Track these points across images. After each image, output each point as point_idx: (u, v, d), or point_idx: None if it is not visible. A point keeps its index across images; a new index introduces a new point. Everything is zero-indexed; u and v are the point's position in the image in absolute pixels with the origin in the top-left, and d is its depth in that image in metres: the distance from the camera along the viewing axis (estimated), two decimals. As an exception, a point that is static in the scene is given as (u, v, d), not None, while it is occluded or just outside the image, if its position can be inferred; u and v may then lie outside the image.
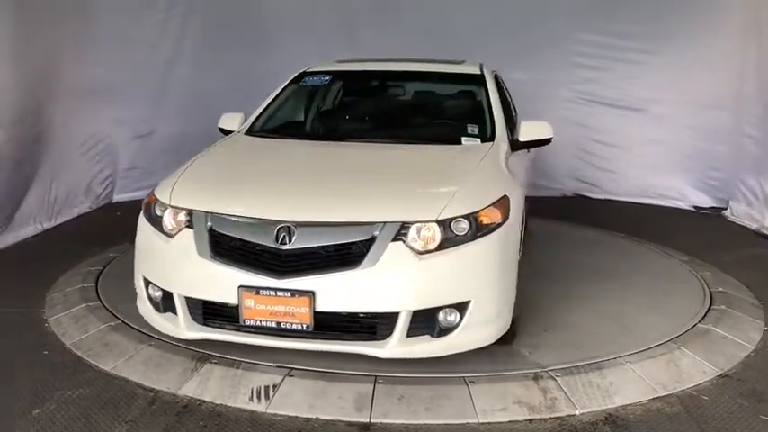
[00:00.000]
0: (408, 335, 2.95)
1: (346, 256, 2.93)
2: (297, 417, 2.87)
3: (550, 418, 2.91)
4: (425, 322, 2.97)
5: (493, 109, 4.02)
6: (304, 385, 3.04)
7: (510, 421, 2.87)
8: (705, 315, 3.92)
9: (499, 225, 3.08)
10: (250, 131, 4.29)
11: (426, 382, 3.07)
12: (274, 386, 3.03)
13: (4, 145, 5.16)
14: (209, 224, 3.12)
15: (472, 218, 3.01)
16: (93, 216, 6.30)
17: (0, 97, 5.12)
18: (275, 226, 2.99)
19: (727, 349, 3.56)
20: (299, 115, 4.77)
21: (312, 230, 2.97)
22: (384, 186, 3.29)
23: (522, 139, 3.88)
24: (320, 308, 2.92)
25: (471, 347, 3.09)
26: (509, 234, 3.14)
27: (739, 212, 6.31)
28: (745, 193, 6.26)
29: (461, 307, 2.97)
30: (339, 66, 4.91)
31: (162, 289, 3.23)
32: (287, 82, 4.77)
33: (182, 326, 3.19)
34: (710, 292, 4.30)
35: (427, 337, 2.99)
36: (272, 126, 4.38)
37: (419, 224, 2.94)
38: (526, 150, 4.29)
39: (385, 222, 2.94)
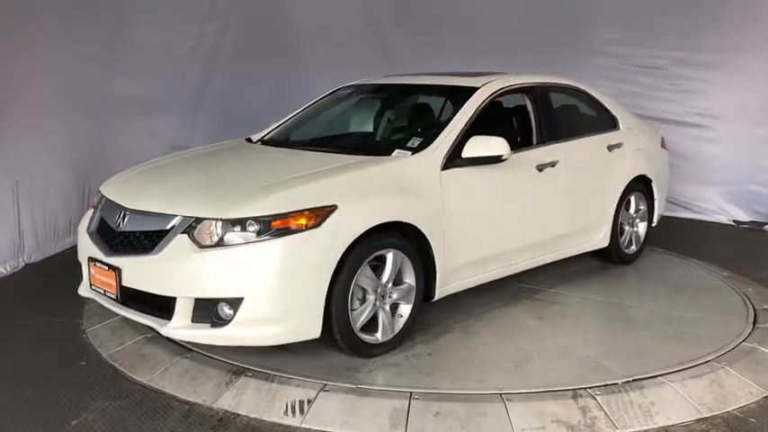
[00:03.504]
0: (194, 320, 3.16)
1: (146, 242, 3.26)
2: (331, 432, 2.85)
3: (590, 438, 2.84)
4: (207, 311, 3.15)
5: (449, 123, 3.91)
6: (339, 400, 3.02)
7: (549, 441, 2.81)
8: (750, 333, 3.80)
9: (299, 231, 3.08)
10: (261, 139, 4.54)
11: (462, 399, 3.03)
12: (309, 401, 3.01)
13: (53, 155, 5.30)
14: (101, 205, 3.69)
15: (263, 220, 3.08)
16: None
17: (44, 109, 5.27)
18: (118, 210, 3.46)
19: (774, 369, 3.45)
20: (316, 126, 4.81)
21: (136, 217, 3.38)
22: (218, 185, 3.55)
23: (465, 155, 3.75)
24: (124, 283, 3.30)
25: (247, 343, 3.24)
26: (312, 241, 3.09)
27: (782, 227, 6.16)
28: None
29: (234, 303, 3.07)
30: (362, 81, 4.96)
31: None
32: (320, 97, 4.87)
33: (83, 286, 3.72)
34: (755, 309, 4.17)
35: (207, 325, 3.15)
36: (278, 135, 4.58)
37: (207, 220, 3.13)
38: (542, 169, 4.19)
39: (184, 216, 3.19)
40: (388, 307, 3.48)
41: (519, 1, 6.99)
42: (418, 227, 3.50)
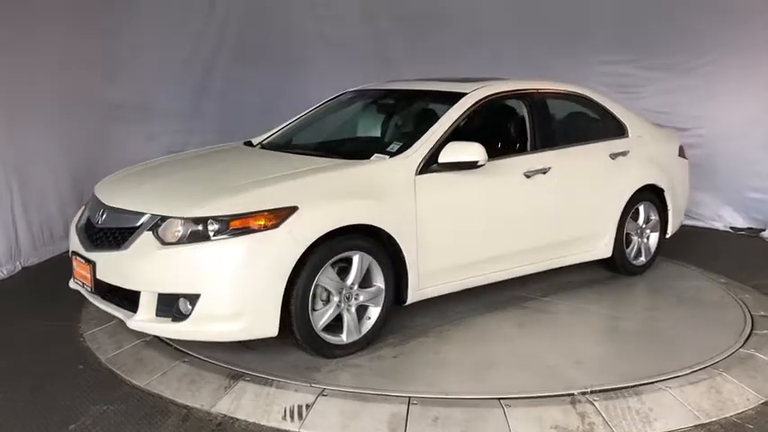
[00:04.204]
0: (158, 314, 3.26)
1: (119, 237, 3.39)
2: (330, 437, 2.85)
3: (589, 443, 2.84)
4: (168, 306, 3.25)
5: (430, 128, 3.92)
6: (337, 405, 3.02)
7: (547, 446, 2.82)
8: (747, 340, 3.81)
9: (257, 231, 3.16)
10: (260, 142, 4.60)
11: (461, 404, 3.03)
12: (307, 405, 3.01)
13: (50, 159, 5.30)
14: (90, 203, 3.82)
15: (222, 219, 3.17)
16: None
17: (41, 113, 5.27)
18: (100, 207, 3.60)
19: (772, 376, 3.46)
20: (313, 131, 4.84)
21: (113, 213, 3.51)
22: (192, 185, 3.66)
23: (441, 160, 3.74)
24: (98, 276, 3.43)
25: (206, 338, 3.33)
26: (269, 241, 3.17)
27: (778, 234, 6.19)
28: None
29: (193, 298, 3.17)
30: (364, 86, 5.01)
31: None
32: (321, 102, 4.93)
33: (72, 279, 3.82)
34: (752, 315, 4.18)
35: (169, 319, 3.25)
36: (276, 139, 4.63)
37: (171, 219, 3.24)
38: (530, 176, 4.14)
39: (152, 214, 3.31)
40: (354, 309, 3.51)
41: (520, 6, 7.03)
42: (387, 230, 3.52)
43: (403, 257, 3.61)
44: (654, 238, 5.05)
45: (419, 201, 3.66)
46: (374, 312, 3.59)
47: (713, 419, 3.05)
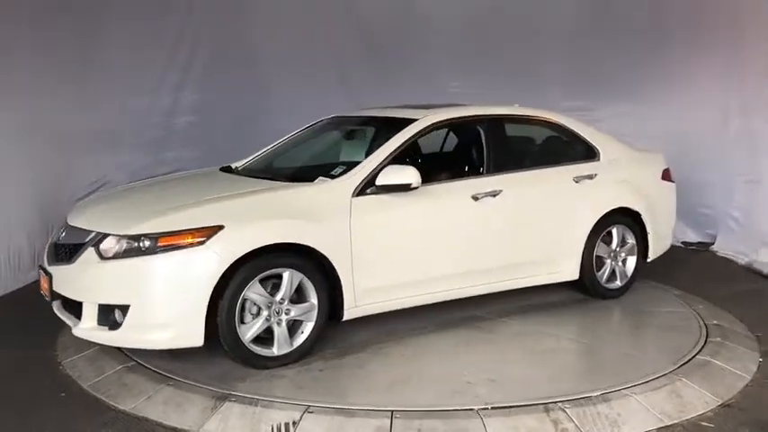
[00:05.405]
0: (99, 323, 3.55)
1: (70, 252, 3.68)
2: (318, 452, 2.95)
3: (563, 448, 3.00)
4: (107, 315, 3.53)
5: (373, 153, 4.11)
6: (323, 421, 3.12)
7: (524, 453, 2.96)
8: (702, 347, 4.06)
9: (183, 248, 3.41)
10: (236, 168, 4.80)
11: (441, 416, 3.16)
12: (294, 423, 3.10)
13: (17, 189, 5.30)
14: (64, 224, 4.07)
15: (153, 236, 3.45)
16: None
17: (8, 143, 5.27)
18: (64, 225, 3.95)
19: (727, 380, 3.70)
20: (283, 157, 5.00)
21: (71, 231, 3.83)
22: (140, 206, 3.90)
23: (379, 183, 3.91)
24: (54, 287, 3.71)
25: (138, 346, 3.64)
26: (194, 257, 3.42)
27: (727, 247, 6.49)
28: (733, 228, 6.46)
29: (124, 309, 3.45)
30: (338, 114, 5.19)
31: None
32: (297, 130, 5.13)
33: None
34: (705, 325, 4.44)
35: (106, 328, 3.53)
36: (251, 165, 4.85)
37: (111, 236, 3.53)
38: (478, 198, 4.23)
39: (96, 231, 3.61)
40: (284, 323, 3.68)
41: (479, 36, 7.33)
42: (318, 249, 3.71)
43: (337, 275, 3.79)
44: (631, 262, 5.02)
45: (354, 221, 3.84)
46: (308, 327, 3.77)
47: (676, 421, 3.26)
